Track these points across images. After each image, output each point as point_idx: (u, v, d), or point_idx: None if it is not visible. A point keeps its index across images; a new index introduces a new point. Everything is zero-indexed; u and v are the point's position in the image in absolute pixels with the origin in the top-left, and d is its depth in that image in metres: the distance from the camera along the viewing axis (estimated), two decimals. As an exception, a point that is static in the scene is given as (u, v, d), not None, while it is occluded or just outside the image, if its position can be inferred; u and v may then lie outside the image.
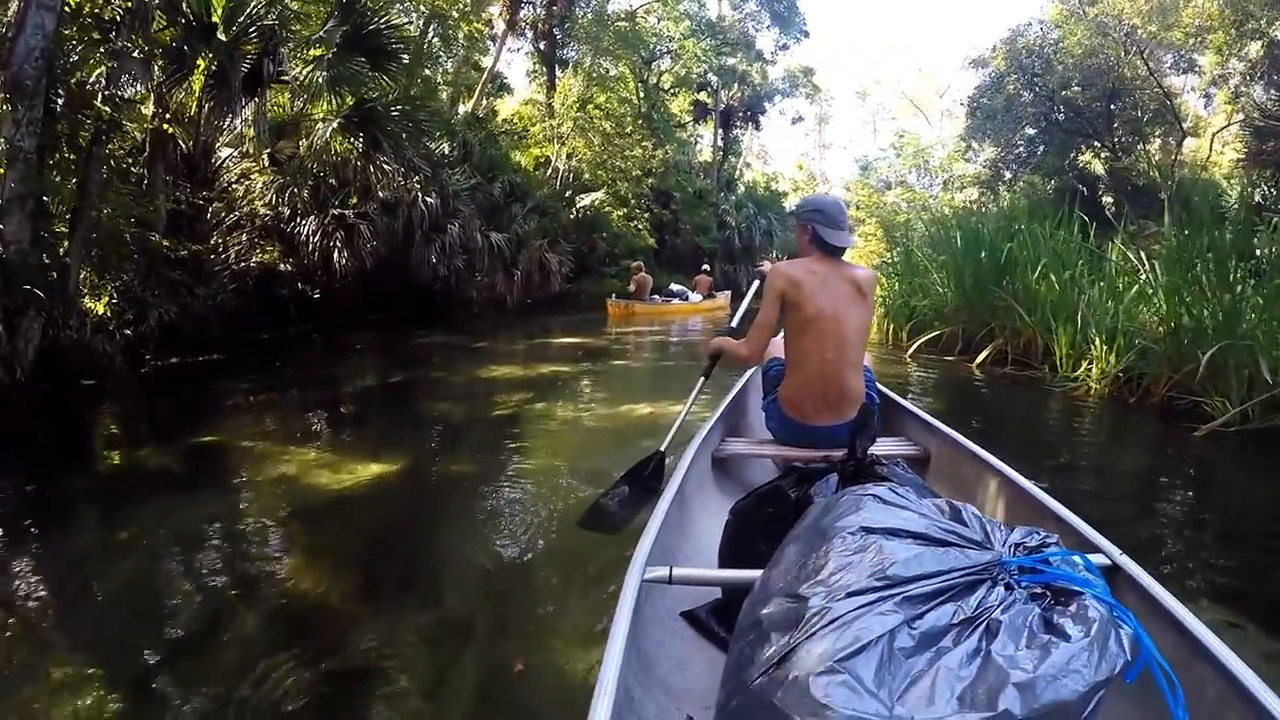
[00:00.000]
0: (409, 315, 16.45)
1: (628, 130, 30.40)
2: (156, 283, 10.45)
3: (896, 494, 1.65)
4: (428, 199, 15.92)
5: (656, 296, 21.38)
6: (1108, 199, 23.38)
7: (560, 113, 27.77)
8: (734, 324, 5.23)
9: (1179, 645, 1.77)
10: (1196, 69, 23.02)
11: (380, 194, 14.71)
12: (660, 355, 13.41)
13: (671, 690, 2.07)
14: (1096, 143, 23.91)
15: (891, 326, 13.19)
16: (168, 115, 11.32)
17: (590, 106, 28.16)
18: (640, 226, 30.26)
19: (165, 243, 10.54)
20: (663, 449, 4.11)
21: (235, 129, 12.58)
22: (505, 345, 14.43)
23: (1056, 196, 19.67)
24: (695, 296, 22.23)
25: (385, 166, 13.46)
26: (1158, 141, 24.42)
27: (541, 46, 32.09)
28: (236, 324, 12.11)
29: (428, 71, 21.90)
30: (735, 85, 42.61)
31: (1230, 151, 23.50)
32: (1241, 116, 21.95)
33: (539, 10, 30.58)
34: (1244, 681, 1.55)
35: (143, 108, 11.07)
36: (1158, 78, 22.18)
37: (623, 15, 32.69)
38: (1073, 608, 1.34)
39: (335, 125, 12.72)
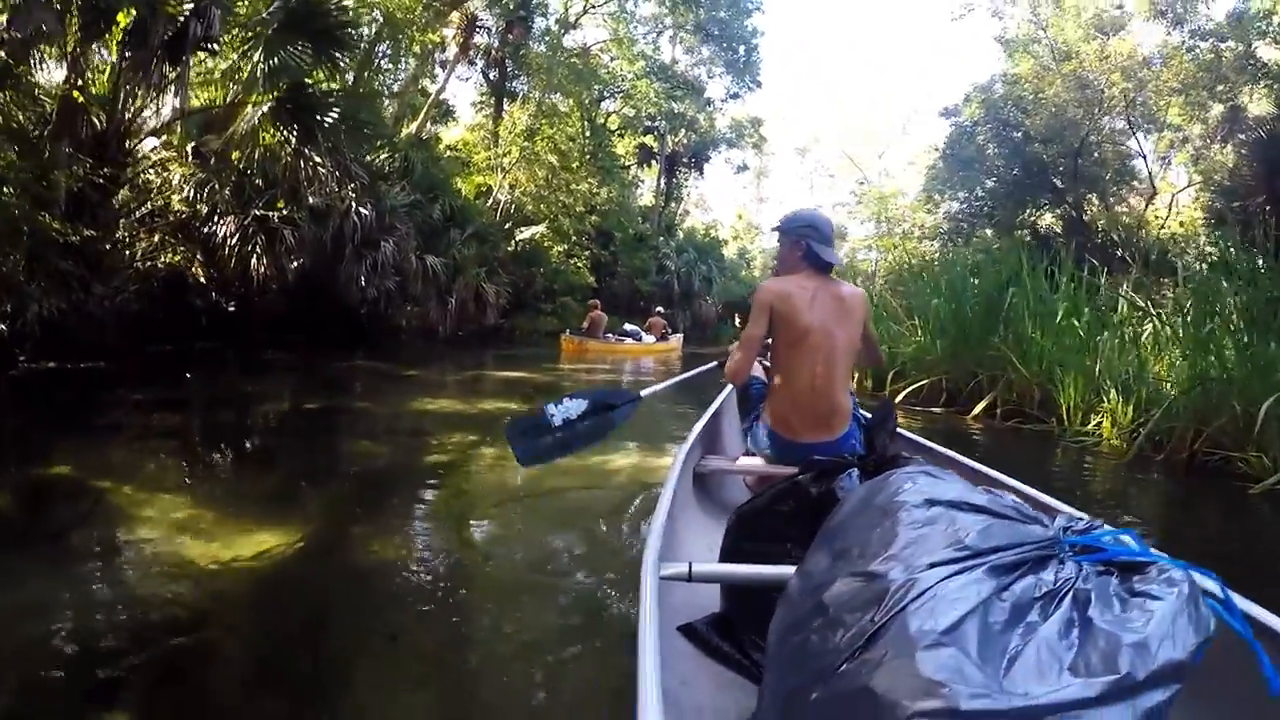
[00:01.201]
0: (333, 338, 15.19)
1: (574, 165, 29.86)
2: (43, 272, 9.09)
3: (941, 474, 1.60)
4: (362, 210, 14.63)
5: (610, 335, 21.34)
6: (1063, 254, 23.34)
7: (506, 141, 27.16)
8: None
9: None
10: (1158, 128, 22.98)
11: (310, 199, 13.34)
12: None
13: (683, 710, 2.00)
14: (1056, 199, 23.98)
15: (865, 374, 12.30)
16: (79, 81, 10.03)
17: (537, 138, 27.48)
18: (580, 264, 29.65)
19: (56, 225, 9.04)
20: (642, 394, 4.03)
21: (153, 105, 11.25)
22: (439, 376, 13.25)
23: (1013, 252, 19.54)
24: (649, 338, 22.25)
25: (319, 168, 12.08)
26: (1117, 199, 24.36)
27: (492, 76, 31.69)
28: (137, 330, 10.83)
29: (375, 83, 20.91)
30: (682, 131, 42.74)
31: (1186, 212, 23.74)
32: (1200, 179, 22.35)
33: (494, 38, 30.00)
34: None
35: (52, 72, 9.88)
36: (1130, 132, 22.24)
37: (578, 51, 32.36)
38: (1151, 574, 1.29)
39: (266, 110, 11.28)
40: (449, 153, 26.69)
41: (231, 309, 13.62)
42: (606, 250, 33.79)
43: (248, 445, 7.06)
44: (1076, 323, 9.37)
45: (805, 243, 3.63)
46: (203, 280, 13.07)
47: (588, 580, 3.73)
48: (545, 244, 27.17)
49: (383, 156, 17.38)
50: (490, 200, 26.30)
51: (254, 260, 12.54)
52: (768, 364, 3.96)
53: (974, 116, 24.25)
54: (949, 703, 1.08)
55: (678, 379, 4.53)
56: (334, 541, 4.18)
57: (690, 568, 2.12)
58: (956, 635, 1.17)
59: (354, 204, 14.50)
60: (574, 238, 29.95)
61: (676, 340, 23.71)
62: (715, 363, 4.40)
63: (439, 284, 17.70)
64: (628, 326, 22.69)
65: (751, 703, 1.77)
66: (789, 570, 1.75)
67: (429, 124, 26.03)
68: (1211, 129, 21.25)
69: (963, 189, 25.71)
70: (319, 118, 11.68)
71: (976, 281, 11.57)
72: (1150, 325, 9.02)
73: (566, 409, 3.67)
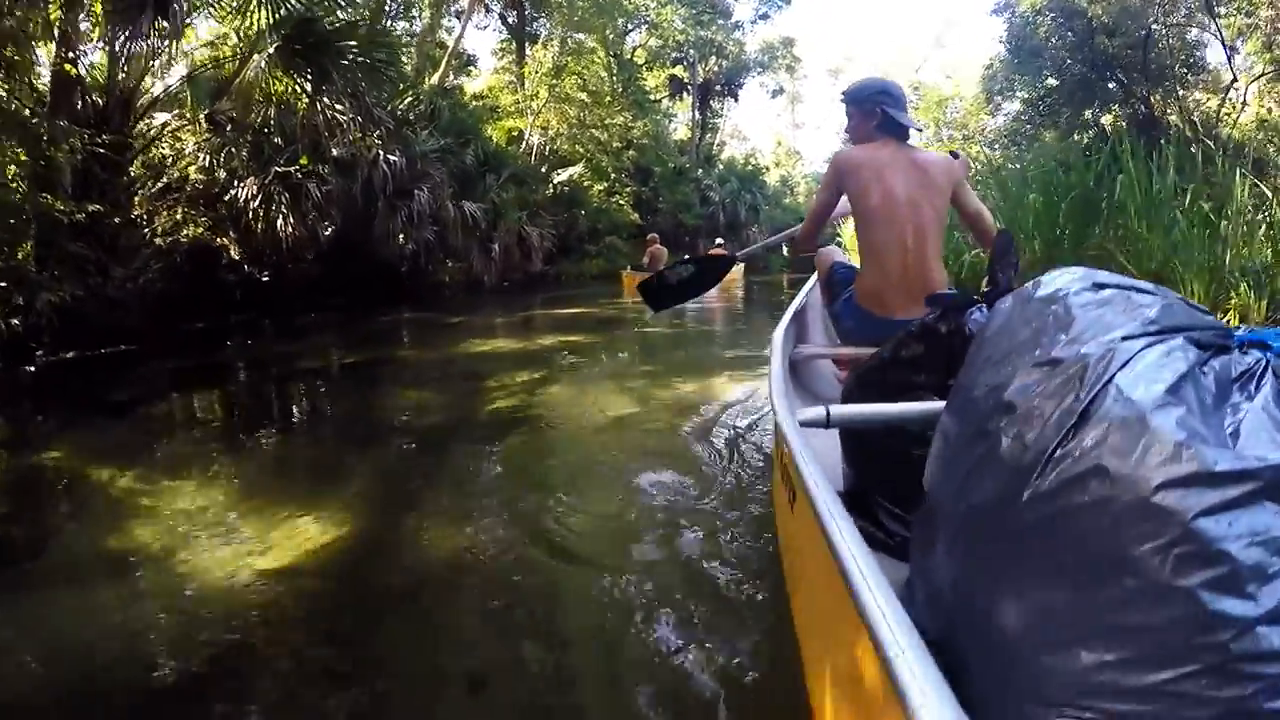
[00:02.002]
0: (374, 298, 14.33)
1: (605, 100, 28.93)
2: (54, 258, 8.34)
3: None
4: (390, 157, 13.60)
5: None
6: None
7: (533, 83, 26.22)
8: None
9: None
10: (1231, 11, 21.38)
11: (334, 151, 12.38)
12: (679, 325, 11.77)
13: None
14: (1124, 95, 22.32)
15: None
16: (70, 54, 9.21)
17: (565, 76, 26.57)
18: (622, 201, 28.83)
19: (60, 205, 8.23)
20: (737, 255, 4.75)
21: (156, 71, 10.37)
22: (489, 321, 12.48)
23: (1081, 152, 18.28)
24: None
25: (338, 114, 11.12)
26: (1187, 94, 22.80)
27: (510, 19, 30.59)
28: (164, 311, 10.03)
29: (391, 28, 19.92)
30: (712, 58, 41.65)
31: (1254, 104, 22.07)
32: (1272, 68, 20.76)
33: (509, -22, 28.80)
34: None
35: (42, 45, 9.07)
36: (1209, 16, 20.62)
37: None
38: None
39: (273, 51, 10.24)
40: (475, 102, 25.50)
41: (265, 279, 12.81)
42: (646, 186, 32.84)
43: (288, 411, 6.27)
44: (1192, 211, 8.34)
45: (880, 109, 3.48)
46: (233, 253, 12.28)
47: (699, 528, 3.15)
48: (584, 184, 26.14)
49: (407, 101, 16.22)
50: (523, 145, 25.20)
51: (280, 221, 11.66)
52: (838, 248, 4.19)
53: (1035, 5, 22.58)
54: (1201, 465, 1.02)
55: (765, 243, 4.75)
56: (389, 529, 3.36)
57: (828, 411, 1.99)
58: (1181, 398, 1.11)
59: (381, 152, 13.48)
60: (613, 175, 29.15)
61: (737, 270, 22.65)
62: (796, 228, 4.23)
63: (479, 232, 16.72)
64: (686, 258, 21.26)
65: (898, 574, 1.56)
66: (936, 404, 1.76)
67: (450, 75, 24.92)
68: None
69: (1023, 89, 24.09)
70: (333, 57, 10.65)
71: (1067, 175, 10.41)
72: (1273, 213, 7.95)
73: (679, 271, 4.37)
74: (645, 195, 32.47)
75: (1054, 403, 1.22)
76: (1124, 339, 1.23)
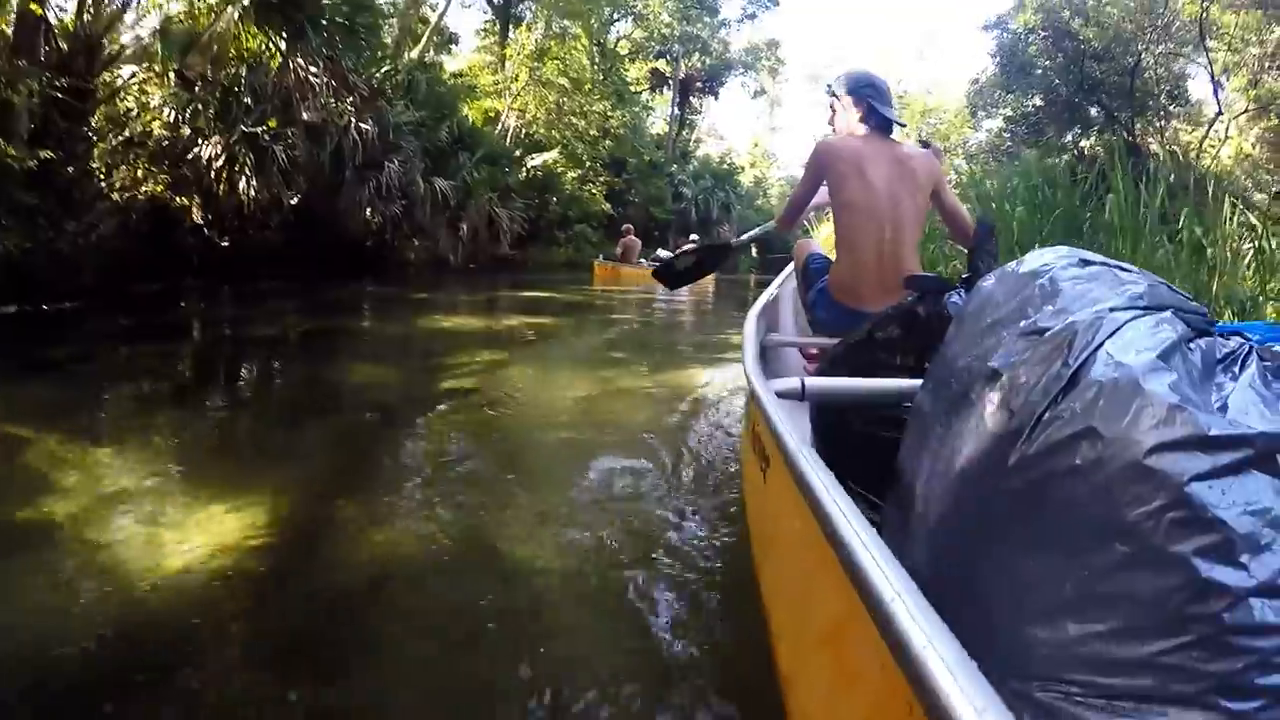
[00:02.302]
0: (337, 271, 13.99)
1: (586, 87, 28.72)
2: (3, 206, 7.96)
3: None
4: (363, 125, 13.22)
5: (643, 261, 21.46)
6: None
7: (514, 64, 26.13)
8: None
9: None
10: (1223, 48, 21.48)
11: (305, 114, 11.99)
12: (648, 313, 11.94)
13: None
14: (1106, 121, 22.43)
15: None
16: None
17: (547, 59, 26.42)
18: (595, 190, 28.53)
19: (11, 151, 7.85)
20: (731, 242, 4.78)
21: (126, 20, 9.99)
22: (452, 298, 12.35)
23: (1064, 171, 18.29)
24: None
25: (312, 76, 10.79)
26: (1166, 125, 22.95)
27: (496, 0, 30.15)
28: (116, 269, 9.63)
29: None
30: (696, 54, 41.59)
31: (1234, 141, 22.30)
32: (1254, 106, 21.06)
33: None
34: None
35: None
36: (1199, 48, 20.80)
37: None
38: None
39: (247, 3, 9.89)
40: (454, 80, 25.01)
41: (225, 245, 12.34)
42: (620, 178, 32.58)
43: (235, 379, 5.98)
44: (1179, 237, 8.28)
45: (867, 102, 3.51)
46: (195, 217, 11.83)
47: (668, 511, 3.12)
48: (558, 170, 25.81)
49: (384, 70, 15.78)
50: (499, 126, 24.91)
51: (243, 184, 11.26)
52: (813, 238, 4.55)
53: (1027, 23, 22.53)
54: (1195, 429, 1.02)
55: (752, 234, 4.75)
56: (329, 516, 3.01)
57: (803, 384, 2.06)
58: (1171, 366, 1.12)
59: (353, 120, 13.10)
60: (588, 163, 28.92)
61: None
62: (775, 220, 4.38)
63: (449, 210, 16.44)
64: (661, 253, 22.13)
65: None
66: (913, 382, 1.85)
67: (431, 50, 24.51)
68: (1269, 53, 19.81)
69: (1006, 106, 24.15)
70: (311, 16, 10.33)
71: (1052, 193, 10.18)
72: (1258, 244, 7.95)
73: (686, 258, 4.61)
74: (618, 186, 32.21)
75: (1041, 369, 1.22)
76: (1112, 310, 1.23)
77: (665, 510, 3.11)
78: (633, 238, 22.04)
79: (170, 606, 2.22)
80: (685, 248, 4.84)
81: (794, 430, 1.67)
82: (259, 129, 11.43)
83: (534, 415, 4.68)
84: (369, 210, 14.28)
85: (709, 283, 21.04)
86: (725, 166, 43.58)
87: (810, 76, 63.08)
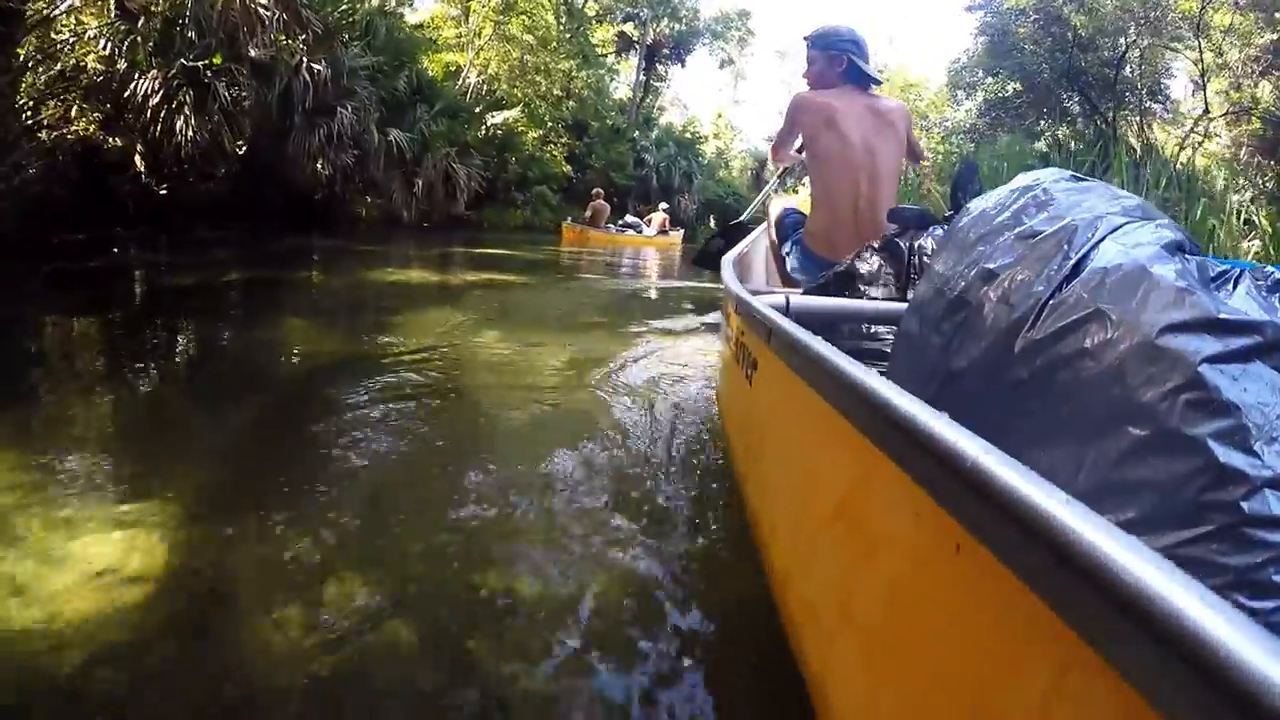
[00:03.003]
0: (283, 225, 13.18)
1: (551, 45, 27.98)
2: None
3: None
4: (315, 66, 12.41)
5: (611, 226, 21.98)
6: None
7: (478, 18, 25.30)
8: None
9: None
10: (1211, 48, 21.39)
11: (252, 50, 11.13)
12: (614, 275, 11.62)
13: None
14: (1087, 111, 22.18)
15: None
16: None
17: (513, 15, 25.73)
18: (555, 152, 27.92)
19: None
20: (744, 218, 5.39)
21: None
22: (405, 252, 11.77)
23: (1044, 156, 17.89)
24: (649, 231, 22.93)
25: (261, 8, 9.96)
26: (1146, 121, 22.77)
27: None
28: (41, 215, 8.77)
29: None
30: (665, 19, 40.99)
31: (1212, 143, 22.21)
32: (1232, 108, 20.98)
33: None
34: None
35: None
36: (1177, 46, 20.69)
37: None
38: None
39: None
40: (416, 31, 24.03)
41: (164, 193, 11.48)
42: (581, 141, 31.83)
43: (155, 336, 5.07)
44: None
45: (847, 57, 3.57)
46: (138, 165, 10.94)
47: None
48: (519, 129, 24.93)
49: (341, 9, 14.75)
50: (460, 81, 24.04)
51: (180, 123, 10.40)
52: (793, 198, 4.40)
53: (1018, 4, 22.01)
54: (1204, 312, 1.06)
55: (758, 200, 5.21)
56: (244, 515, 2.37)
57: (788, 300, 2.19)
58: (1175, 258, 1.16)
59: (305, 59, 12.28)
60: (550, 123, 28.34)
61: (677, 235, 23.86)
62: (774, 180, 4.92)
63: (404, 164, 15.62)
64: (629, 218, 23.57)
65: None
66: (898, 305, 2.07)
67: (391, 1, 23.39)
68: (1253, 57, 19.71)
69: (985, 90, 23.74)
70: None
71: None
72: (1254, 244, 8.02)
73: (716, 242, 4.76)
74: (579, 150, 31.51)
75: (1042, 263, 1.25)
76: (1109, 215, 1.27)
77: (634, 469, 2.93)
78: (601, 202, 22.03)
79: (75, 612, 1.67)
80: (716, 235, 4.98)
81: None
82: (200, 63, 10.55)
83: (483, 378, 4.22)
84: (319, 161, 13.44)
85: (675, 249, 21.88)
86: (689, 135, 42.76)
87: (778, 52, 62.32)
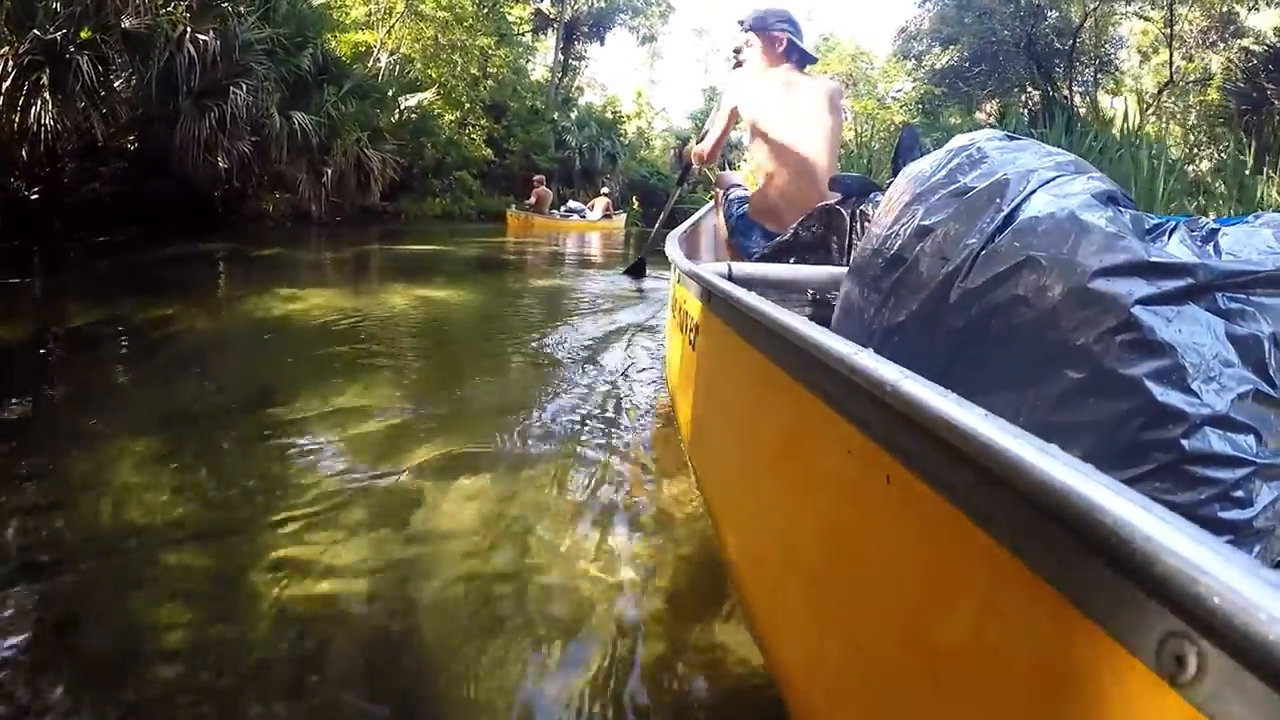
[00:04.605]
0: (179, 228, 11.41)
1: (466, 23, 26.62)
2: None
3: None
4: (200, 36, 10.66)
5: (555, 212, 22.15)
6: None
7: None
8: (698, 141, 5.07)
9: None
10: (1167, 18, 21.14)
11: (124, 20, 9.43)
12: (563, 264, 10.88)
13: None
14: (1040, 80, 21.37)
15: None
16: None
17: None
18: (474, 135, 27.17)
19: None
20: (643, 255, 6.45)
21: None
22: (315, 256, 10.13)
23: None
24: (593, 215, 23.09)
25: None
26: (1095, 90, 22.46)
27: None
28: None
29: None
30: None
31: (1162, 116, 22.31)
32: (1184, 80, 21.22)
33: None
34: None
35: None
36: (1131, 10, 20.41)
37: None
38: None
39: None
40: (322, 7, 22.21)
41: (34, 197, 9.69)
42: (499, 124, 30.96)
43: None
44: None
45: (787, 37, 3.76)
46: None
47: None
48: (435, 111, 23.60)
49: None
50: (371, 62, 22.37)
51: (36, 108, 8.69)
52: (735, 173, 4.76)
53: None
54: (1134, 255, 1.09)
55: (663, 213, 6.14)
56: None
57: (730, 268, 2.33)
58: (1105, 208, 1.18)
59: (188, 29, 10.55)
60: (467, 105, 27.46)
61: (620, 219, 24.77)
62: (683, 169, 5.47)
63: (310, 150, 13.86)
64: (572, 204, 23.50)
65: None
66: (838, 270, 2.23)
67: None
68: (1201, 29, 20.14)
69: (933, 59, 23.00)
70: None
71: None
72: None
73: (640, 258, 6.56)
74: (498, 133, 30.61)
75: (975, 217, 1.27)
76: (1041, 169, 1.29)
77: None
78: (545, 188, 22.17)
79: None
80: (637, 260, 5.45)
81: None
82: (58, 34, 8.83)
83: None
84: (214, 151, 11.66)
85: (619, 233, 22.89)
86: (610, 115, 41.57)
87: (695, 30, 61.53)
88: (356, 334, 4.80)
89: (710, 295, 1.84)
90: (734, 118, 3.86)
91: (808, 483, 1.21)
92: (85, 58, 8.84)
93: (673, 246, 3.08)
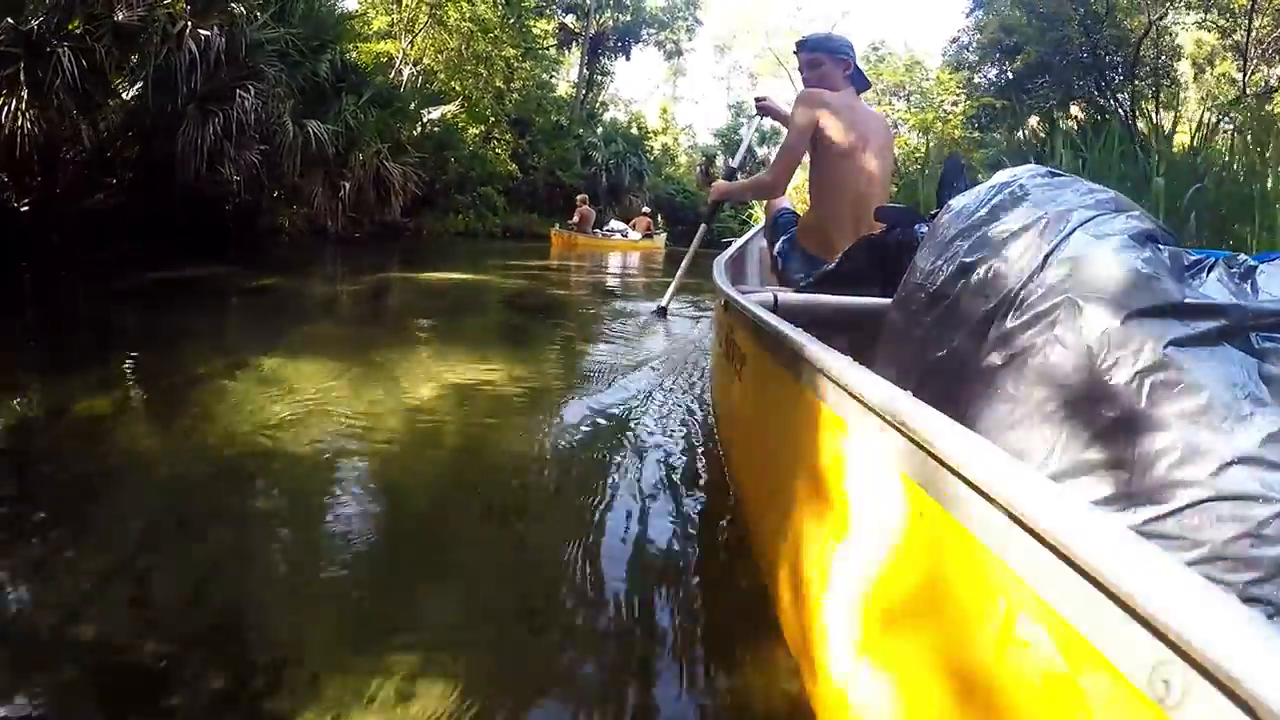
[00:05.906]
0: (186, 245, 10.26)
1: (491, 34, 25.81)
2: None
3: None
4: (202, 31, 9.52)
5: (598, 230, 22.60)
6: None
7: (413, 3, 23.30)
8: (734, 164, 5.36)
9: None
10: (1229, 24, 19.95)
11: (117, 13, 8.34)
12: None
13: None
14: (1100, 92, 20.12)
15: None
16: None
17: (448, 3, 23.74)
18: (499, 150, 26.23)
19: None
20: (664, 304, 6.18)
21: None
22: (328, 287, 8.69)
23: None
24: (635, 235, 23.71)
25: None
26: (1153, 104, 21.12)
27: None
28: None
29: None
30: (609, 10, 40.27)
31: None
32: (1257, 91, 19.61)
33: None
34: None
35: None
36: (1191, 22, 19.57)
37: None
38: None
39: None
40: (345, 22, 21.10)
41: (24, 209, 8.72)
42: (523, 139, 30.14)
43: None
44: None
45: (850, 61, 3.72)
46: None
47: None
48: (459, 124, 22.50)
49: None
50: (393, 73, 21.59)
51: (11, 108, 7.60)
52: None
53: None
54: (1169, 297, 1.10)
55: (687, 259, 5.66)
56: None
57: (776, 297, 2.32)
58: (1143, 248, 1.19)
59: (189, 24, 9.44)
60: (492, 118, 26.44)
61: (661, 238, 25.78)
62: (711, 207, 5.09)
63: (326, 161, 12.75)
64: (614, 223, 24.31)
65: None
66: (882, 300, 2.14)
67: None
68: (1257, 40, 19.29)
69: (991, 66, 21.90)
70: None
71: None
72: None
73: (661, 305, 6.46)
74: (522, 149, 29.77)
75: (1015, 256, 1.29)
76: (1081, 208, 1.30)
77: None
78: (588, 208, 22.42)
79: None
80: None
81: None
82: (35, 23, 7.74)
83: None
84: (217, 159, 10.50)
85: (660, 253, 23.13)
86: (637, 130, 41.07)
87: (718, 46, 60.55)
88: (366, 490, 2.55)
89: (756, 326, 1.87)
90: (810, 132, 3.56)
91: (848, 514, 1.22)
92: (66, 51, 7.74)
93: (719, 272, 3.15)
